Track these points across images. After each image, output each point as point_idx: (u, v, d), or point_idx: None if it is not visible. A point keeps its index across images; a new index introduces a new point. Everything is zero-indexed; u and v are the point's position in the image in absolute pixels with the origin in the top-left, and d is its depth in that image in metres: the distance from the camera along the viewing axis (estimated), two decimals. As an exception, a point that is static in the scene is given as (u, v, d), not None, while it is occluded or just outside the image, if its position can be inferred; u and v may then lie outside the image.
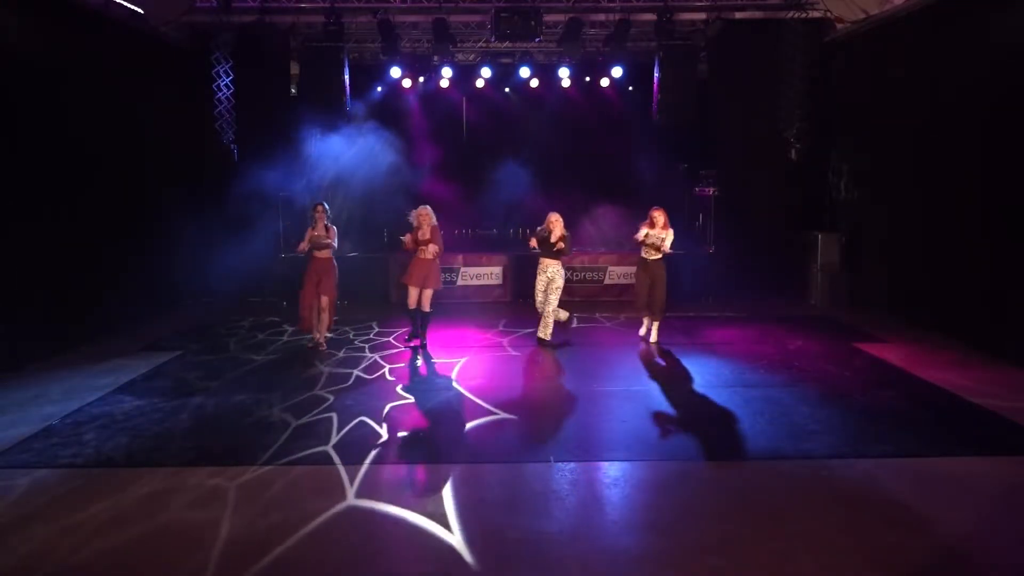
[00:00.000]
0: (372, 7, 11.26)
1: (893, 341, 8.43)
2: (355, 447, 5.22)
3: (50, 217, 7.93)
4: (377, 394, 6.54)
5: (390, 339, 8.75)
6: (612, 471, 4.83)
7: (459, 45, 12.68)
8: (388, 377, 7.12)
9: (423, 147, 13.25)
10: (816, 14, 10.97)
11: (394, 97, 13.40)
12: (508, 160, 12.75)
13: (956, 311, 8.36)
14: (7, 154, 7.30)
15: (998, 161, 7.68)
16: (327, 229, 7.97)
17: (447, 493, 4.49)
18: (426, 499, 4.41)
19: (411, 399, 6.42)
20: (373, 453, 5.11)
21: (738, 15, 11.38)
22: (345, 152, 11.35)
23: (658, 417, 5.95)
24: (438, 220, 8.12)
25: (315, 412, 6.00)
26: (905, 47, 9.43)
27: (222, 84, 11.19)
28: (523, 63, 12.70)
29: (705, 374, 7.18)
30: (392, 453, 5.16)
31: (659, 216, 8.24)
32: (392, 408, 6.13)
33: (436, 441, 5.49)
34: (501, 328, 9.41)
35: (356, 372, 7.29)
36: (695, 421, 5.86)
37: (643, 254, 8.43)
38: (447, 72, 12.66)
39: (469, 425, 5.73)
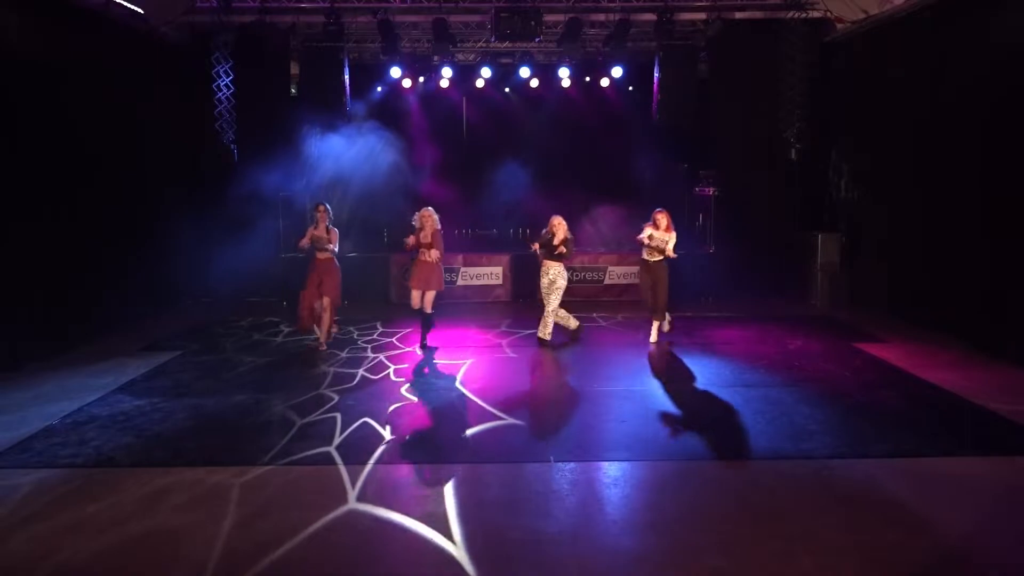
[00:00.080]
0: (372, 7, 11.25)
1: (893, 341, 8.43)
2: (358, 448, 5.22)
3: (50, 217, 7.93)
4: (382, 394, 6.54)
5: (393, 340, 8.75)
6: (612, 471, 4.82)
7: (459, 45, 12.67)
8: (393, 378, 7.13)
9: (423, 147, 13.24)
10: (816, 14, 10.97)
11: (394, 97, 13.39)
12: (508, 160, 12.74)
13: (956, 311, 8.36)
14: (7, 154, 7.30)
15: (998, 161, 7.68)
16: (329, 231, 7.97)
17: (448, 494, 4.48)
18: (427, 500, 4.40)
19: (415, 400, 6.43)
20: (376, 454, 5.10)
21: (738, 15, 11.38)
22: (345, 152, 11.34)
23: (658, 417, 5.95)
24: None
25: (320, 411, 6.01)
26: (905, 47, 9.43)
27: (222, 84, 11.20)
28: (523, 63, 12.69)
29: (705, 374, 7.18)
30: (394, 454, 5.15)
31: (662, 218, 8.22)
32: (396, 409, 6.13)
33: (438, 442, 5.48)
34: (504, 328, 9.41)
35: (361, 372, 7.30)
36: (695, 421, 5.86)
37: (645, 256, 8.42)
38: (447, 72, 12.65)
39: (471, 428, 5.72)
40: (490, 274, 11.61)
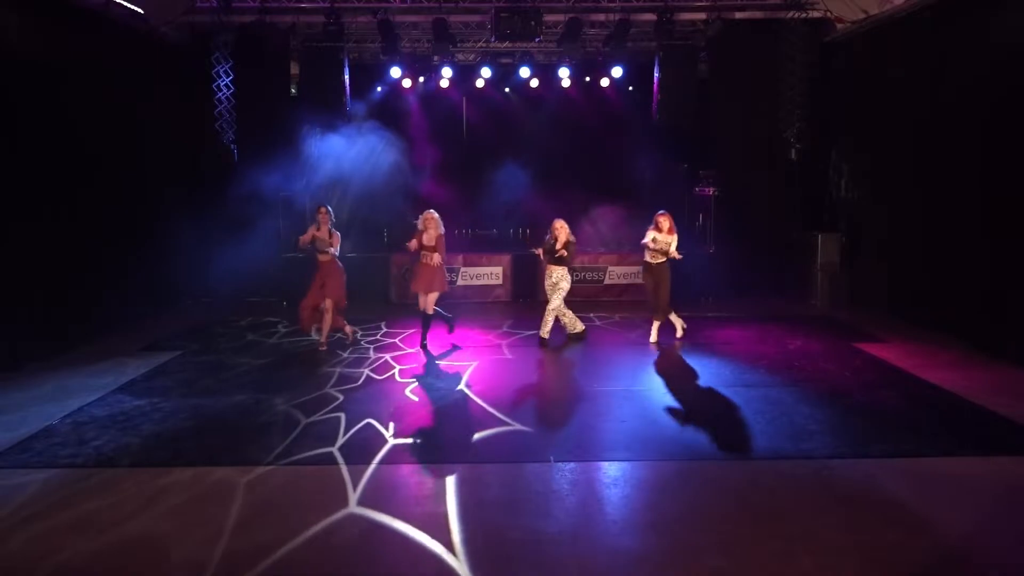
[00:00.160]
0: (372, 7, 11.25)
1: (893, 341, 8.42)
2: (361, 448, 5.21)
3: (50, 217, 7.93)
4: (386, 395, 6.55)
5: (397, 340, 8.75)
6: (612, 471, 4.83)
7: (459, 45, 12.67)
8: (398, 379, 7.13)
9: (423, 147, 13.23)
10: (816, 14, 10.96)
11: (394, 97, 13.39)
12: (508, 160, 12.73)
13: (956, 311, 8.36)
14: (7, 154, 7.30)
15: (998, 161, 7.68)
16: (330, 234, 7.98)
17: (448, 494, 4.48)
18: (427, 500, 4.40)
19: (418, 400, 6.43)
20: (379, 455, 5.10)
21: (738, 15, 11.38)
22: (345, 152, 11.33)
23: (658, 417, 5.95)
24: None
25: (324, 411, 6.02)
26: (905, 47, 9.43)
27: (222, 84, 11.20)
28: (523, 63, 12.69)
29: (705, 374, 7.19)
30: (396, 455, 5.15)
31: (664, 221, 8.32)
32: (399, 410, 6.13)
33: (439, 443, 5.49)
34: (505, 329, 9.41)
35: (366, 372, 7.30)
36: (695, 421, 5.86)
37: (647, 257, 8.49)
38: (447, 72, 12.65)
39: (474, 429, 5.71)
40: (490, 274, 11.61)
